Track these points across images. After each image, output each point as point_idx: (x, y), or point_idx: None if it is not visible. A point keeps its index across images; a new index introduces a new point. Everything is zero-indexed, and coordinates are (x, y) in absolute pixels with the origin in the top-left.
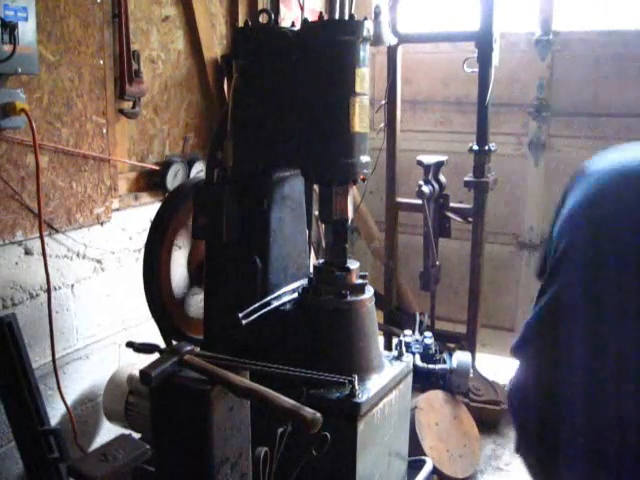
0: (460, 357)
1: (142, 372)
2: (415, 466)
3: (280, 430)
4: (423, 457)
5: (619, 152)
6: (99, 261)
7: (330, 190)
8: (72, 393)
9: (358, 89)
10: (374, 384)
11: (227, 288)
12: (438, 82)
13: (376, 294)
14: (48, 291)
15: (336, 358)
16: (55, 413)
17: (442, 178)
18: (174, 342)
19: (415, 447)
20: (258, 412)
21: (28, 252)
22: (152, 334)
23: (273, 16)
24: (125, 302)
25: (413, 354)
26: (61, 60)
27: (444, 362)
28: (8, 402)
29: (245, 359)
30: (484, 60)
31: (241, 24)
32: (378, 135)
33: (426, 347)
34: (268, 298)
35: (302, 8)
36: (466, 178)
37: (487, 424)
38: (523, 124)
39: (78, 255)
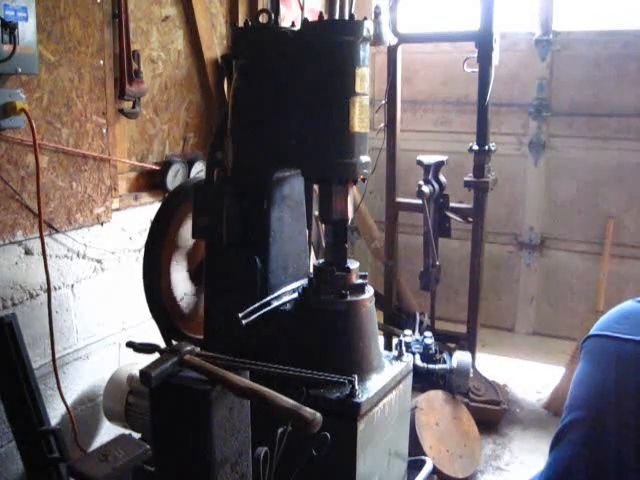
0: (460, 357)
1: (142, 372)
2: (415, 466)
3: (280, 430)
4: (423, 457)
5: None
6: (99, 261)
7: (330, 190)
8: (72, 393)
9: (358, 89)
10: (374, 384)
11: (227, 288)
12: (438, 82)
13: (376, 294)
14: (48, 291)
15: (336, 358)
16: (55, 413)
17: (442, 178)
18: (174, 342)
19: (415, 447)
20: (258, 412)
21: (28, 252)
22: (152, 334)
23: (273, 16)
24: (125, 302)
25: (413, 354)
26: (61, 60)
27: (444, 362)
28: (8, 402)
29: (245, 359)
30: (484, 60)
31: (241, 24)
32: (378, 135)
33: (426, 347)
34: (268, 298)
35: (302, 8)
36: (466, 178)
37: (487, 424)
38: (523, 124)
39: (78, 255)
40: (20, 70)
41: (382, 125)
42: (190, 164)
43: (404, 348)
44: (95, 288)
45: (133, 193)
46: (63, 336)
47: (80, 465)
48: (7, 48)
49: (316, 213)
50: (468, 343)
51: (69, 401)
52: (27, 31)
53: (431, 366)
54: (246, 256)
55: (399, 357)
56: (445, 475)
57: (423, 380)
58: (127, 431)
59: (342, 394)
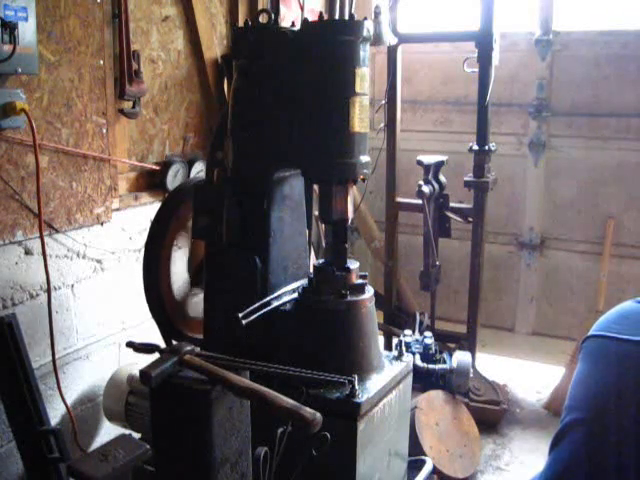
0: (460, 357)
1: (142, 372)
2: (415, 466)
3: (280, 430)
4: (423, 457)
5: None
6: (99, 261)
7: (330, 190)
8: (72, 393)
9: (358, 89)
10: (374, 384)
11: (227, 288)
12: (438, 82)
13: (376, 294)
14: (48, 291)
15: (336, 358)
16: (55, 413)
17: (442, 178)
18: (174, 342)
19: (415, 447)
20: (258, 412)
21: (28, 252)
22: (152, 334)
23: (273, 16)
24: (125, 302)
25: (413, 354)
26: (61, 60)
27: (444, 362)
28: (8, 402)
29: (245, 359)
30: (484, 60)
31: (241, 24)
32: (378, 135)
33: (426, 347)
34: (268, 298)
35: (302, 8)
36: (466, 178)
37: (487, 424)
38: (523, 124)
39: (78, 255)
40: (20, 70)
41: (382, 125)
42: (190, 164)
43: (404, 348)
44: (95, 288)
45: (133, 193)
46: (63, 336)
47: (80, 465)
48: (7, 48)
49: (316, 213)
50: (468, 343)
51: (69, 401)
52: (27, 31)
53: (431, 366)
54: (246, 256)
55: (399, 357)
56: (445, 475)
57: (423, 380)
58: (127, 431)
59: (342, 394)
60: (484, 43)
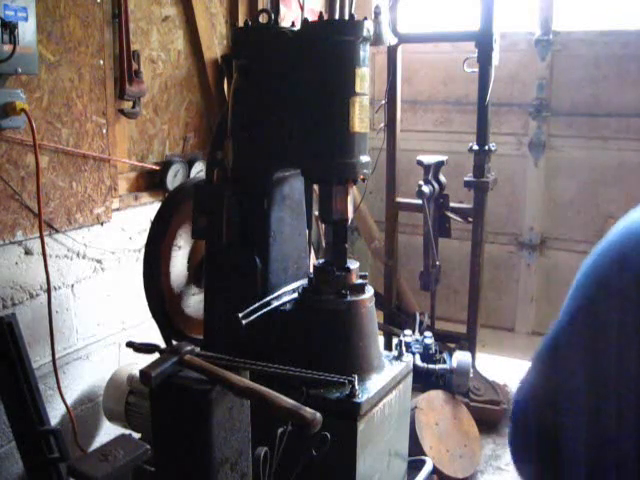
0: (460, 357)
1: (142, 372)
2: (415, 466)
3: (280, 430)
4: (423, 457)
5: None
6: (99, 261)
7: (330, 190)
8: (72, 393)
9: (358, 89)
10: (374, 384)
11: (227, 288)
12: (438, 82)
13: (376, 294)
14: (48, 291)
15: (336, 358)
16: (55, 413)
17: (442, 178)
18: (174, 342)
19: (415, 447)
20: (258, 412)
21: (28, 252)
22: (152, 334)
23: (273, 16)
24: (125, 302)
25: (413, 354)
26: (61, 60)
27: (444, 362)
28: (8, 402)
29: (245, 359)
30: (484, 60)
31: (241, 24)
32: (378, 135)
33: (426, 347)
34: (268, 298)
35: (302, 8)
36: (466, 178)
37: (487, 424)
38: (523, 124)
39: (78, 255)
40: (20, 70)
41: (382, 125)
42: (190, 164)
43: (404, 348)
44: (95, 288)
45: (133, 193)
46: (63, 336)
47: (80, 465)
48: (7, 48)
49: (316, 213)
50: (468, 343)
51: (69, 401)
52: (27, 31)
53: (431, 366)
54: (246, 256)
55: (399, 357)
56: (445, 475)
57: (423, 380)
58: (127, 431)
59: (342, 394)
60: (484, 43)
